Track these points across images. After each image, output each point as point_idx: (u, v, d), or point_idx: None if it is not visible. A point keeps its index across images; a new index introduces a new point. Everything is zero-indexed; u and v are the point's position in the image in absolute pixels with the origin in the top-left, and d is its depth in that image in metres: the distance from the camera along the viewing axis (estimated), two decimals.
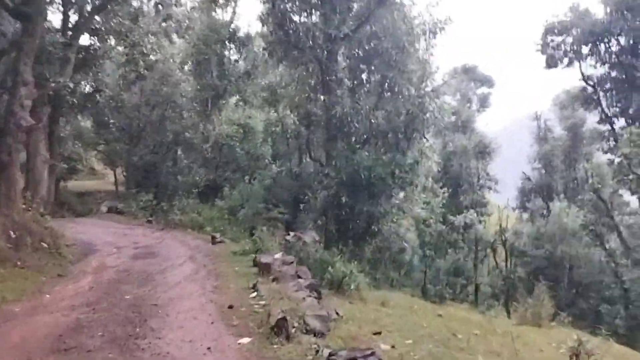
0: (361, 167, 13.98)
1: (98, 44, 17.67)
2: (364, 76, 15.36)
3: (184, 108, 33.42)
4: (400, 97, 15.02)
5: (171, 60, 32.93)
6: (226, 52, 29.80)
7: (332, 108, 14.76)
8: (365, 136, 14.95)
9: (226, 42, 29.19)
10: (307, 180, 22.30)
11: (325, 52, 15.16)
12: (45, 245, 14.53)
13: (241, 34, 29.54)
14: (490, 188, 33.26)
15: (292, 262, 12.90)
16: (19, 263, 13.10)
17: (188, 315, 8.16)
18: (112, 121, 35.36)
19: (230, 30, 29.00)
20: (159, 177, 33.78)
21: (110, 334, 7.31)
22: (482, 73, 43.94)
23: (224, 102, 31.36)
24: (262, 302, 8.53)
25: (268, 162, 26.90)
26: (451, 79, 31.67)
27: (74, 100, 16.89)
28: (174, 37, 32.95)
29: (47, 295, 10.25)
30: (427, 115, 14.78)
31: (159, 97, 32.99)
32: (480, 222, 30.84)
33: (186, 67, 35.80)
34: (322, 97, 15.17)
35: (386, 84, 15.27)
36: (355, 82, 15.50)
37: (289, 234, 19.47)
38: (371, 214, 15.00)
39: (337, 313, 9.84)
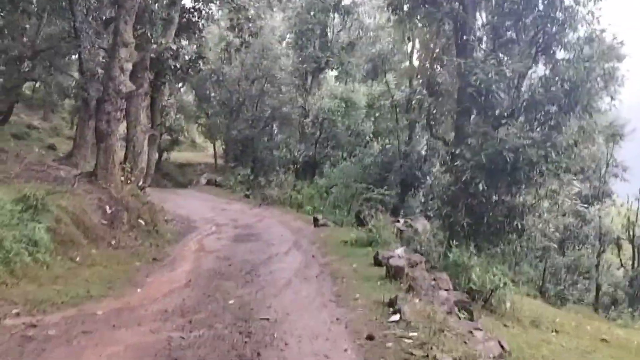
0: (506, 148, 10.75)
1: (202, 5, 15.57)
2: (509, 34, 11.90)
3: (283, 82, 31.38)
4: (559, 60, 11.41)
5: (271, 33, 30.89)
6: (329, 22, 26.90)
7: (469, 74, 11.56)
8: (509, 109, 11.58)
9: (330, 11, 26.35)
10: (418, 161, 19.24)
11: (462, 6, 11.83)
12: (142, 222, 12.80)
13: (346, 1, 26.56)
14: (617, 176, 28.05)
15: (421, 263, 10.09)
16: (113, 243, 11.39)
17: (314, 347, 5.61)
18: (213, 94, 34.27)
19: None
20: (256, 152, 32.28)
21: None
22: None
23: (323, 75, 28.75)
24: (413, 334, 5.79)
25: (369, 139, 24.00)
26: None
27: (177, 65, 14.89)
28: (275, 9, 30.78)
29: (138, 290, 8.23)
30: (593, 83, 11.07)
31: (259, 70, 31.19)
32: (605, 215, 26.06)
33: (285, 42, 33.71)
34: (456, 61, 11.96)
35: (540, 43, 11.69)
36: (498, 42, 12.08)
37: (398, 221, 16.65)
38: (512, 206, 11.75)
39: (502, 347, 6.91)
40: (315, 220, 16.81)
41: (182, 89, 42.42)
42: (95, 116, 13.95)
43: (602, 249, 26.20)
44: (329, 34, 27.06)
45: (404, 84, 22.38)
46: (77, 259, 9.67)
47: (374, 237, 11.71)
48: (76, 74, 25.20)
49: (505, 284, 8.85)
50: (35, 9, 21.13)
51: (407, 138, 20.62)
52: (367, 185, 21.68)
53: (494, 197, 11.95)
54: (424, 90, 13.30)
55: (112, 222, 11.87)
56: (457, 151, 11.85)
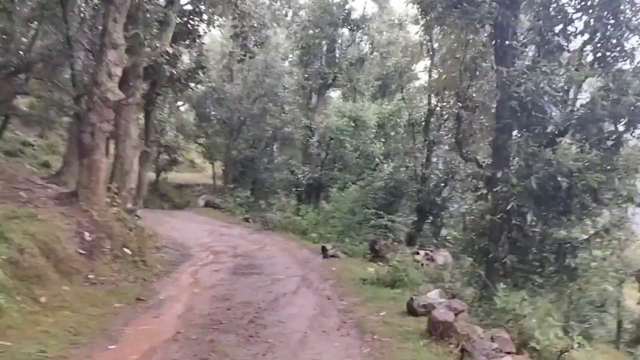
0: (560, 171, 8.87)
1: (203, 8, 13.87)
2: (557, 39, 10.08)
3: (286, 101, 29.73)
4: (624, 71, 9.60)
5: (275, 50, 29.36)
6: (337, 37, 25.26)
7: (511, 84, 9.77)
8: (562, 126, 9.70)
9: (339, 25, 24.75)
10: (437, 185, 17.35)
11: (504, 6, 10.04)
12: (128, 251, 10.79)
13: (356, 15, 25.00)
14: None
15: (463, 311, 8.09)
16: (90, 277, 9.36)
17: None
18: (213, 113, 32.63)
19: (345, 11, 24.50)
20: (256, 173, 30.48)
21: None
22: None
23: (329, 94, 27.06)
24: None
25: (379, 161, 22.14)
26: None
27: (174, 73, 13.08)
28: (279, 25, 29.30)
29: (110, 348, 6.21)
30: None
31: (261, 89, 29.56)
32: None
33: (288, 60, 32.20)
34: (497, 69, 10.13)
35: (596, 49, 9.90)
36: (544, 49, 10.26)
37: (417, 252, 14.67)
38: (561, 241, 9.75)
39: None
40: (324, 249, 14.82)
41: (181, 108, 40.92)
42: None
43: (622, 282, 24.11)
44: (337, 49, 25.42)
45: (419, 101, 20.64)
46: (43, 299, 7.65)
47: (400, 276, 9.70)
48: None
49: (580, 344, 6.87)
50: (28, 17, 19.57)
51: (424, 160, 18.76)
52: (376, 211, 19.74)
53: (539, 230, 10.03)
54: (458, 104, 11.43)
55: (92, 252, 9.86)
56: (499, 175, 9.96)
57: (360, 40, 25.69)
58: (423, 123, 19.37)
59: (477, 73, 11.72)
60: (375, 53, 25.16)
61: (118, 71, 10.85)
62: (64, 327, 6.70)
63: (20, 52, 23.29)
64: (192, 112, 38.18)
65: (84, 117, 10.97)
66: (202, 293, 9.43)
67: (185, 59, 14.87)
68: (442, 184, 17.59)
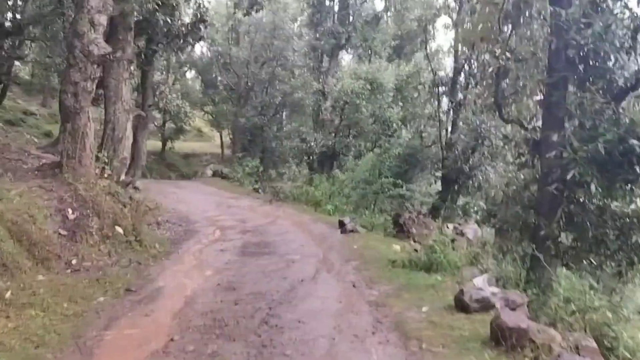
0: (633, 133, 7.12)
1: None
2: None
3: (295, 65, 27.67)
4: None
5: (283, 11, 27.15)
6: None
7: (569, 30, 7.87)
8: (632, 80, 7.86)
9: None
10: (464, 152, 15.55)
11: None
12: (120, 230, 9.23)
13: None
14: None
15: (522, 305, 6.48)
16: (73, 262, 7.84)
17: None
18: (219, 79, 30.76)
19: None
20: (265, 142, 28.76)
21: None
22: None
23: (342, 56, 24.96)
24: None
25: (397, 126, 20.27)
26: None
27: (172, 25, 11.21)
28: None
29: None
30: None
31: (269, 52, 27.51)
32: None
33: (297, 23, 29.97)
34: (547, 11, 8.20)
35: None
36: None
37: (446, 227, 13.03)
38: (626, 215, 8.09)
39: None
40: (342, 224, 13.22)
41: (187, 74, 38.95)
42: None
43: None
44: (349, 6, 23.09)
45: (444, 59, 18.59)
46: (7, 294, 6.15)
47: (438, 257, 8.06)
48: None
49: None
50: None
51: (449, 124, 16.86)
52: (394, 180, 18.05)
53: (599, 203, 8.31)
54: (506, 54, 9.46)
55: (75, 233, 8.33)
56: (554, 137, 8.18)
57: None
58: (449, 83, 17.38)
59: (522, 20, 9.76)
60: (392, 10, 22.87)
61: (102, 19, 9.05)
62: (26, 334, 5.18)
63: (13, 13, 21.50)
64: (198, 79, 36.35)
65: (65, 75, 9.23)
66: (206, 280, 7.88)
67: (186, 13, 12.95)
68: (470, 151, 15.79)
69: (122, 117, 10.59)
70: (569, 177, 7.64)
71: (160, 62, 22.01)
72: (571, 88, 8.78)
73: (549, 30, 8.71)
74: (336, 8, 23.38)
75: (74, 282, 7.08)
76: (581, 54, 8.32)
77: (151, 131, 30.47)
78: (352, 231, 12.77)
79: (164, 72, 23.51)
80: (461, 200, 16.37)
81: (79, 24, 8.87)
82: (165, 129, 32.01)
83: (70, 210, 8.57)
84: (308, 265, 9.08)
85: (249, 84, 28.66)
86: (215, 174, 27.91)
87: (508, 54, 9.24)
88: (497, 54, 9.57)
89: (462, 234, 12.69)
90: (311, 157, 22.79)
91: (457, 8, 16.90)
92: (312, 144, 21.56)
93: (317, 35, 23.85)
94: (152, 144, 31.14)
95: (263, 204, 18.98)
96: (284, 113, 32.71)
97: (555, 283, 7.30)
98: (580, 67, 8.45)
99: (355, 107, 19.48)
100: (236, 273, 8.33)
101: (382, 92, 19.45)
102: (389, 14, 23.29)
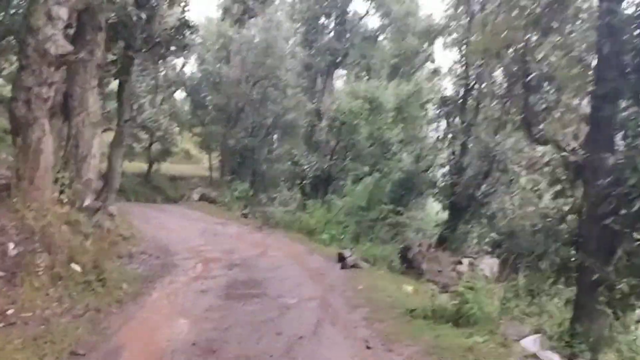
0: None
1: None
2: None
3: (288, 85, 26.31)
4: None
5: (276, 29, 25.90)
6: (349, 7, 21.66)
7: (621, 31, 6.52)
8: None
9: None
10: (476, 177, 14.09)
11: None
12: (77, 268, 7.43)
13: None
14: None
15: None
16: (9, 312, 6.02)
17: None
18: (209, 98, 29.28)
19: None
20: (255, 165, 27.16)
21: None
22: None
23: (337, 74, 23.60)
24: None
25: (397, 149, 18.82)
26: None
27: (151, 29, 9.64)
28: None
29: None
30: None
31: (261, 71, 26.14)
32: None
33: (291, 41, 28.77)
34: (600, 7, 6.82)
35: None
36: None
37: (460, 262, 11.37)
38: None
39: None
40: (341, 257, 11.54)
41: (176, 95, 37.39)
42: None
43: None
44: (348, 20, 21.80)
45: (452, 74, 17.24)
46: None
47: (470, 309, 6.38)
48: None
49: None
50: None
51: (458, 147, 15.36)
52: (395, 207, 16.49)
53: None
54: (517, 73, 8.07)
55: (15, 273, 6.52)
56: (610, 160, 6.70)
57: (375, 12, 22.11)
58: (458, 102, 16.00)
59: (554, 25, 8.38)
60: (392, 26, 21.66)
61: (62, 12, 7.45)
62: None
63: None
64: (187, 99, 34.90)
65: (16, 79, 7.57)
66: (178, 335, 6.11)
67: (168, 15, 11.40)
68: (482, 176, 14.28)
69: (87, 132, 8.90)
70: (634, 209, 6.09)
71: (147, 80, 20.42)
72: (623, 102, 7.33)
73: (598, 33, 7.29)
74: (332, 25, 22.16)
75: (2, 342, 5.28)
76: (636, 60, 6.89)
77: (136, 153, 28.69)
78: (353, 266, 11.10)
79: (152, 90, 21.92)
80: (475, 232, 14.84)
81: (33, 16, 7.26)
82: (152, 150, 30.27)
83: (11, 245, 6.78)
84: (307, 312, 7.36)
85: (239, 104, 27.21)
86: (202, 198, 26.18)
87: (543, 63, 7.80)
88: (527, 63, 8.11)
89: (474, 268, 11.05)
90: (304, 181, 21.19)
91: (468, 18, 15.67)
92: (306, 167, 20.00)
93: (312, 52, 22.51)
94: (138, 166, 29.40)
95: (252, 230, 17.31)
96: (276, 135, 31.32)
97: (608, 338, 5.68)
98: (633, 76, 7.02)
99: (352, 127, 18.03)
100: (218, 325, 6.57)
101: (381, 112, 18.06)
102: (388, 30, 22.10)
